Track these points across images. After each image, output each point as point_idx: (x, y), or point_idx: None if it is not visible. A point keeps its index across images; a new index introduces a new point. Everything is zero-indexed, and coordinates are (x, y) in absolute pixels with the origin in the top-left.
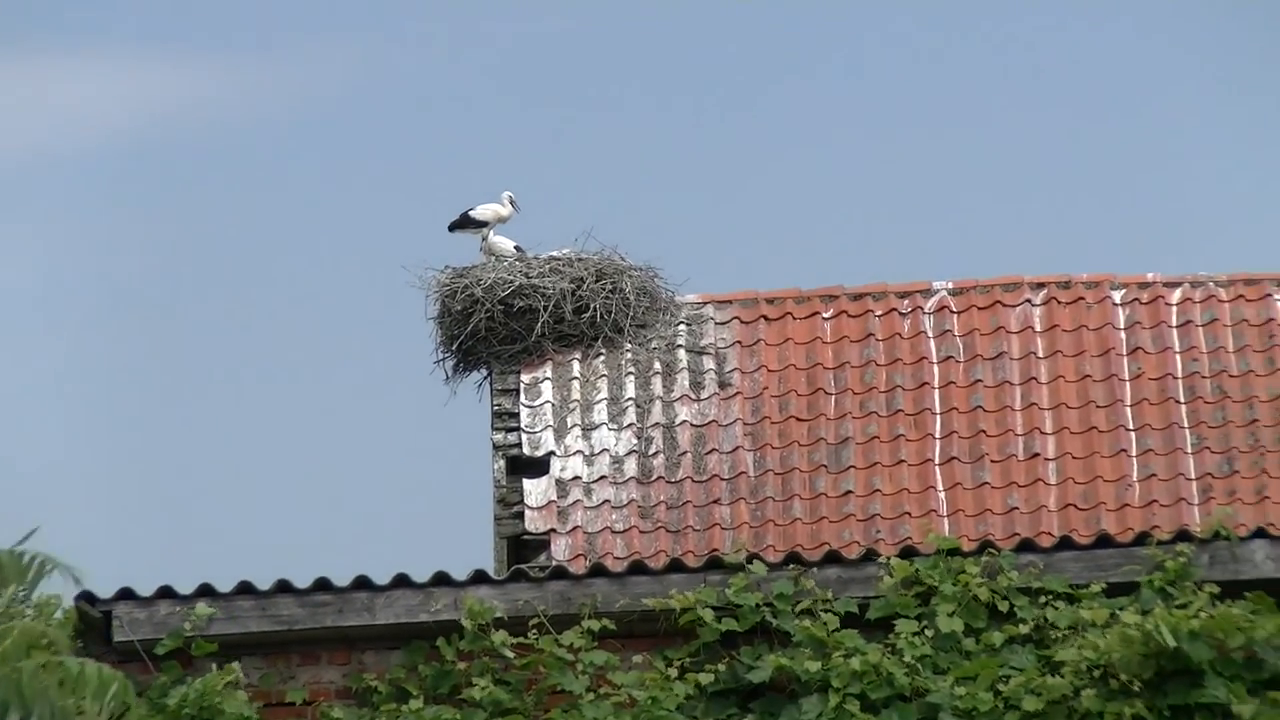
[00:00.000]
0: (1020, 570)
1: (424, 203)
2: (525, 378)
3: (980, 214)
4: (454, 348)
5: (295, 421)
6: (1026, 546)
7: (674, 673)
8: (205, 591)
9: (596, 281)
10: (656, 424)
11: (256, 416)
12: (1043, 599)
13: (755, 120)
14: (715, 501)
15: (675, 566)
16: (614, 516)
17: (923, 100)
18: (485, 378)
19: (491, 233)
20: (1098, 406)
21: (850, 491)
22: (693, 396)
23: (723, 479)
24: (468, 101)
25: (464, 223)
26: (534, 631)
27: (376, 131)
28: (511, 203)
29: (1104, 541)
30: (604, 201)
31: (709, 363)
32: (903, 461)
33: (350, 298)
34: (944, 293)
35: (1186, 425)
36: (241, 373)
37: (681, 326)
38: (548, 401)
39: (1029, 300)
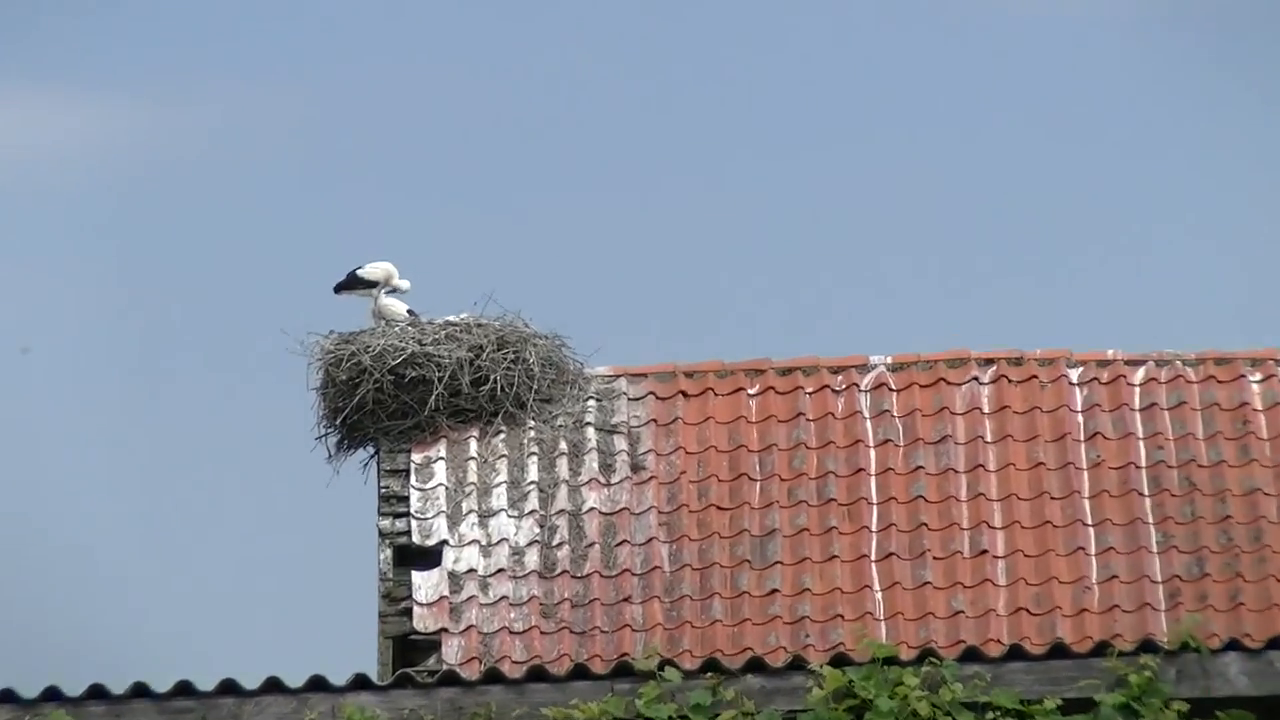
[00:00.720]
0: (965, 683)
1: (309, 262)
2: (416, 457)
3: (922, 282)
4: (338, 422)
5: (152, 499)
6: (972, 656)
7: None
8: (52, 695)
9: (497, 350)
10: (561, 511)
11: (105, 487)
12: (990, 715)
13: (673, 175)
14: (625, 600)
15: (580, 673)
16: (512, 615)
17: (859, 158)
18: (372, 456)
19: (383, 294)
20: (1052, 498)
21: (776, 590)
22: (602, 481)
23: (634, 574)
24: (363, 153)
25: (351, 283)
26: None
27: (258, 181)
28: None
29: (1059, 651)
30: (506, 263)
31: (621, 443)
32: (835, 557)
33: (223, 363)
34: (882, 368)
35: (1152, 521)
36: (93, 435)
37: (591, 402)
38: (441, 484)
39: (976, 378)
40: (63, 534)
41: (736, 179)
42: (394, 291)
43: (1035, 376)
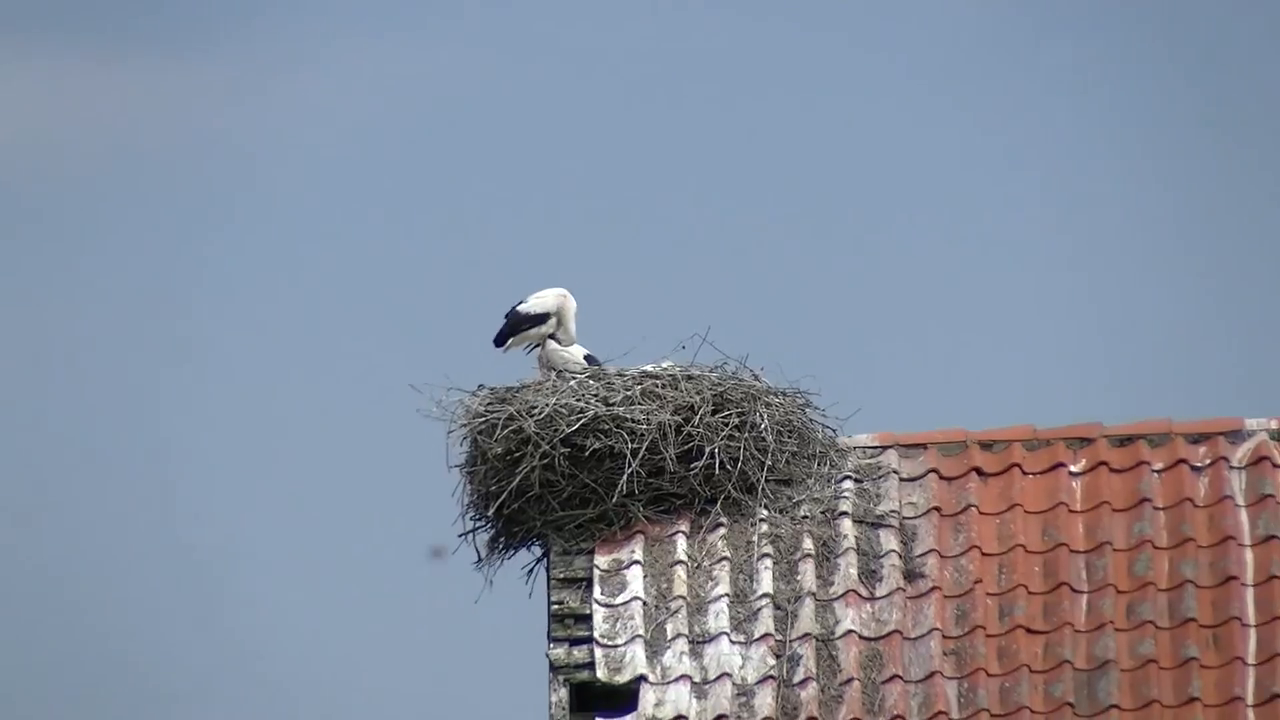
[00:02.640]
0: None
1: (446, 296)
2: (601, 561)
3: None
4: (491, 512)
5: (239, 621)
6: None
7: None
8: None
9: (715, 413)
10: (807, 636)
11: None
12: None
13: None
14: None
15: None
16: None
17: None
18: (539, 560)
19: (554, 335)
20: None
21: None
22: (864, 593)
23: None
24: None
25: (516, 326)
26: None
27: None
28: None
29: None
30: (727, 296)
31: (890, 541)
32: (1195, 700)
33: (332, 429)
34: (1263, 435)
35: None
36: (155, 530)
37: (847, 484)
38: (636, 598)
39: None
40: None
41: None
42: (563, 330)
43: None
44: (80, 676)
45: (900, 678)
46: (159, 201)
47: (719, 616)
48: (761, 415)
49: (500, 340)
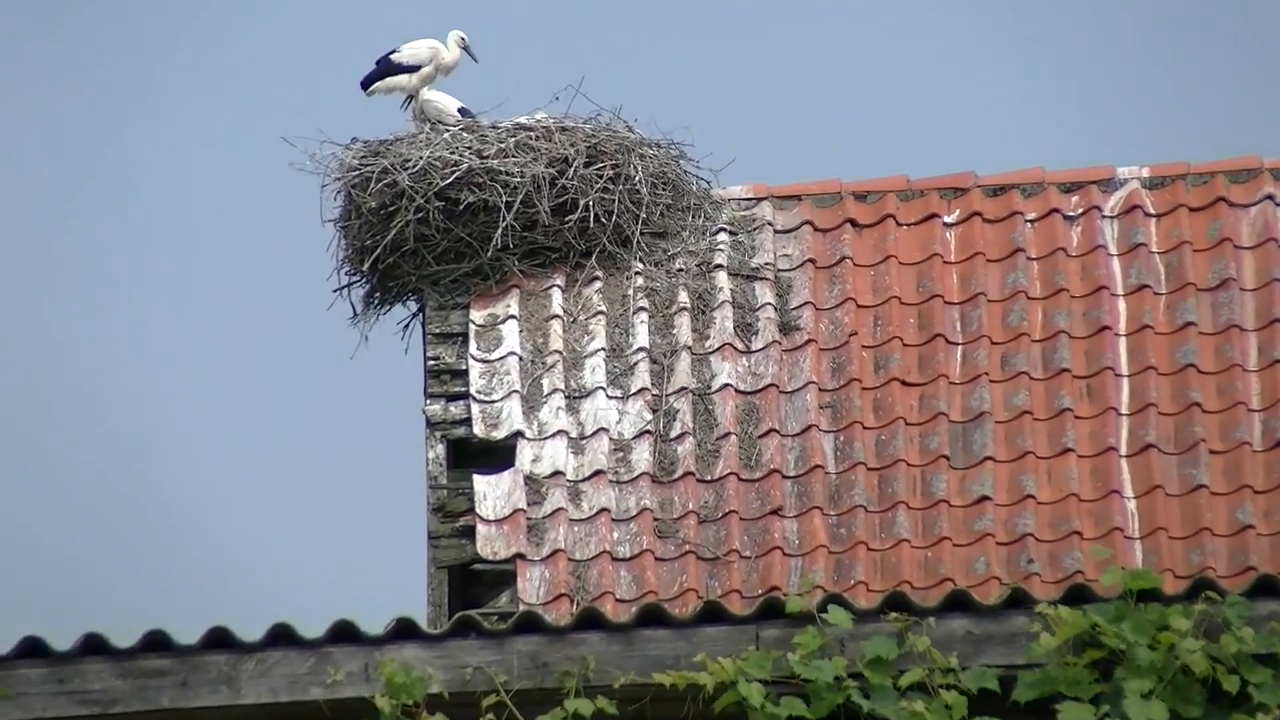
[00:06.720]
0: (1258, 626)
1: (319, 44)
2: (477, 316)
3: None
4: (366, 267)
5: (115, 377)
6: (1268, 588)
7: None
8: None
9: (589, 164)
10: (683, 390)
11: (50, 359)
12: None
13: None
14: (775, 512)
15: (711, 614)
16: (616, 534)
17: None
18: (415, 315)
19: (428, 88)
20: None
21: (986, 498)
22: (740, 346)
23: (786, 476)
24: None
25: (386, 71)
26: (490, 716)
27: None
28: (463, 46)
29: None
30: (602, 44)
31: (766, 293)
32: (1070, 450)
33: (204, 184)
34: (1135, 184)
35: None
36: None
37: (723, 236)
38: (512, 353)
39: (1271, 196)
40: None
41: None
42: (444, 74)
43: None
44: None
45: (777, 431)
46: None
47: (595, 371)
48: (636, 167)
49: (367, 83)
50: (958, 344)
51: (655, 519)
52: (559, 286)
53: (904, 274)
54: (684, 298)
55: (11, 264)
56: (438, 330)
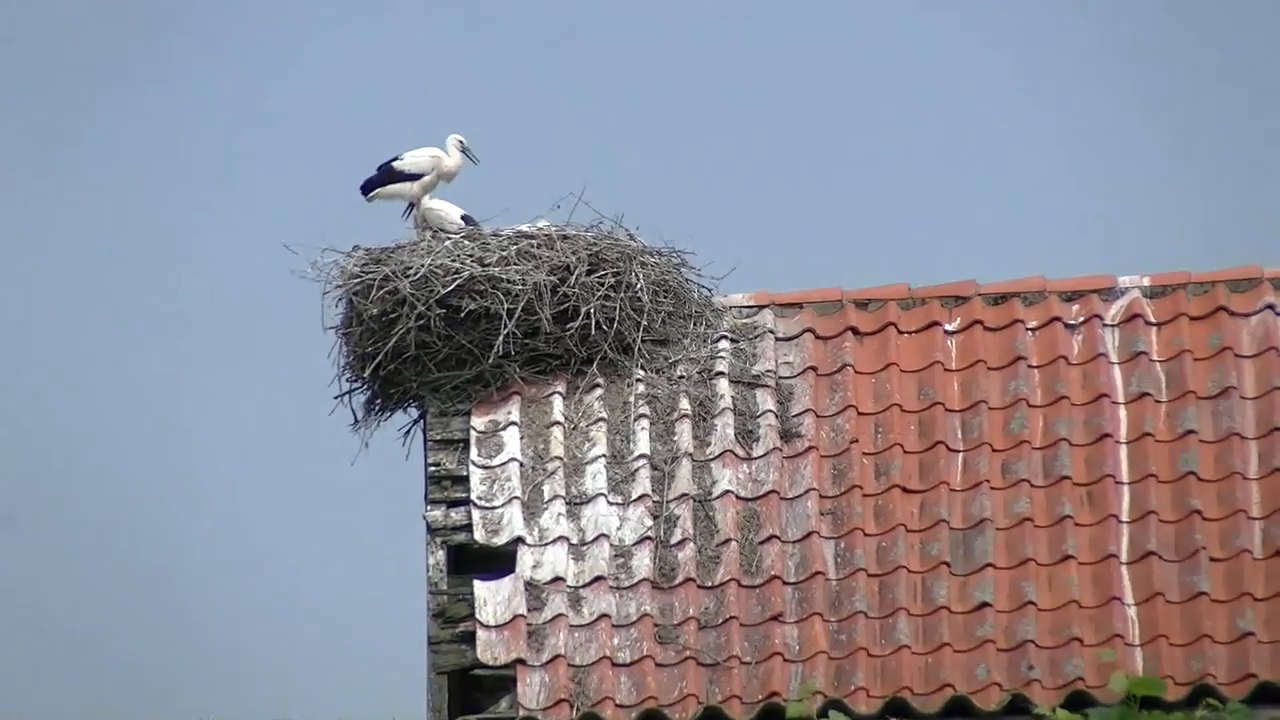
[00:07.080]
0: None
1: (323, 153)
2: (478, 422)
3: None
4: (367, 374)
5: (110, 484)
6: (1267, 695)
7: None
8: None
9: (591, 273)
10: (684, 496)
11: (52, 459)
12: None
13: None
14: (775, 618)
15: (712, 718)
16: (616, 640)
17: None
18: (416, 422)
19: (429, 196)
20: None
21: (987, 604)
22: (741, 454)
23: (786, 583)
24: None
25: (388, 178)
26: None
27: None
28: (463, 149)
29: None
30: (602, 155)
31: (767, 401)
32: (1070, 557)
33: (207, 291)
34: (1136, 293)
35: None
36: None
37: (723, 344)
38: (513, 459)
39: (1272, 306)
40: None
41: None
42: (446, 180)
43: None
44: None
45: (778, 538)
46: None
47: (596, 478)
48: (637, 275)
49: (367, 188)
50: (959, 451)
51: (656, 624)
52: (560, 393)
53: (905, 381)
54: (685, 405)
55: (18, 390)
56: (439, 436)
